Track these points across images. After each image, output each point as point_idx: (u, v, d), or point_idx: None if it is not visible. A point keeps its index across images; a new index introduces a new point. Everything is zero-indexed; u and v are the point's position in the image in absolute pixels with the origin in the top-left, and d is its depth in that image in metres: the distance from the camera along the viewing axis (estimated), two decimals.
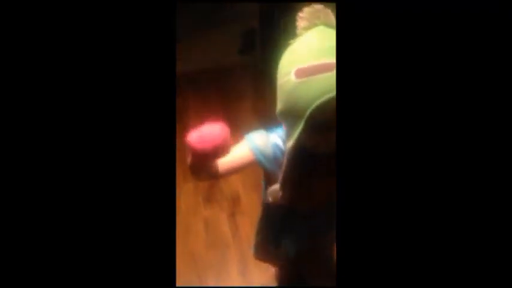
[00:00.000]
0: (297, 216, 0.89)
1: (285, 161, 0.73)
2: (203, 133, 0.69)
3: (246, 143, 0.78)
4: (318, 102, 0.60)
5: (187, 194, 1.71)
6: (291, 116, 0.64)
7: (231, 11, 2.71)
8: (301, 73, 0.62)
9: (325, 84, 0.60)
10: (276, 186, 0.78)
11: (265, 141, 0.77)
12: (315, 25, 0.66)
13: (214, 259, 1.49)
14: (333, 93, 0.59)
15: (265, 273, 1.28)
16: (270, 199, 0.81)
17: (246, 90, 2.33)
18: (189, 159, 0.72)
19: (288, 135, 0.67)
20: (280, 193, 0.78)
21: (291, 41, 0.67)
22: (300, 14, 0.67)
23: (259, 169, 0.80)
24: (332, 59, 0.60)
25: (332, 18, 0.66)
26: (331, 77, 0.60)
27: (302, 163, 0.73)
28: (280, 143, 0.76)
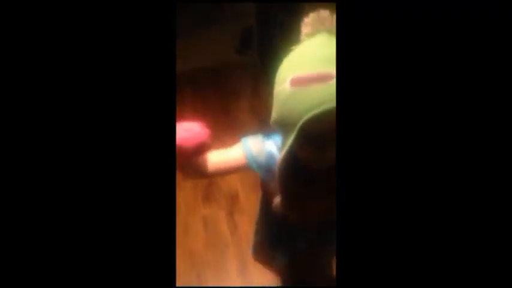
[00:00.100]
0: (292, 226, 0.87)
1: (277, 171, 0.71)
2: (182, 131, 0.69)
3: (241, 146, 0.77)
4: (310, 114, 0.58)
5: (186, 193, 1.71)
6: (284, 126, 0.63)
7: (228, 10, 2.71)
8: (296, 82, 0.61)
9: (319, 96, 0.58)
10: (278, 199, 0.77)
11: (261, 147, 0.76)
12: (318, 31, 0.64)
13: (213, 258, 1.50)
14: (327, 106, 0.57)
15: (265, 272, 1.28)
16: (275, 211, 0.80)
17: (243, 89, 2.33)
18: None
19: (282, 145, 0.66)
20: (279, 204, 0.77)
21: (293, 47, 0.65)
22: (305, 20, 0.65)
23: None
24: (329, 69, 0.58)
25: None
26: (325, 88, 0.58)
27: (295, 176, 0.71)
28: (275, 151, 0.75)
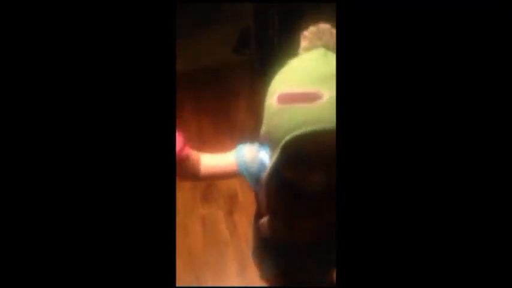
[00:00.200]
0: (279, 243, 0.84)
1: (264, 186, 0.70)
2: None
3: (235, 153, 0.76)
4: (291, 134, 0.56)
5: (184, 193, 1.71)
6: (270, 141, 0.62)
7: (228, 10, 2.71)
8: (283, 99, 0.59)
9: (302, 116, 0.56)
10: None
11: (254, 156, 0.74)
12: (316, 46, 0.62)
13: (212, 258, 1.50)
14: (310, 128, 0.56)
15: None
16: (261, 228, 0.78)
17: (242, 89, 2.33)
18: None
19: (270, 160, 0.64)
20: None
21: (289, 60, 0.63)
22: (304, 33, 0.63)
23: None
24: (317, 89, 0.56)
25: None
26: (310, 109, 0.56)
27: (280, 194, 0.69)
28: (267, 162, 0.72)
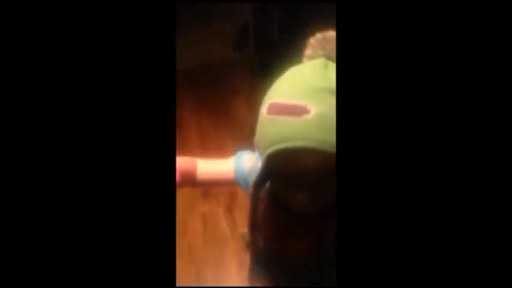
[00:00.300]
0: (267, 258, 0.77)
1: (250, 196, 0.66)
2: None
3: (233, 160, 0.73)
4: (272, 148, 0.54)
5: (184, 190, 1.71)
6: (258, 151, 0.59)
7: (224, 10, 2.70)
8: (272, 109, 0.56)
9: (286, 130, 0.53)
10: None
11: (253, 165, 0.70)
12: (318, 56, 0.60)
13: (212, 254, 1.50)
14: (292, 144, 0.53)
15: None
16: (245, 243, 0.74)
17: (241, 86, 2.33)
18: None
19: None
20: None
21: (289, 67, 0.61)
22: (310, 40, 0.60)
23: None
24: (305, 102, 0.53)
25: None
26: (296, 123, 0.53)
27: (268, 208, 0.65)
28: None
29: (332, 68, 0.58)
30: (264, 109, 0.57)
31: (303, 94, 0.55)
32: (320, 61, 0.59)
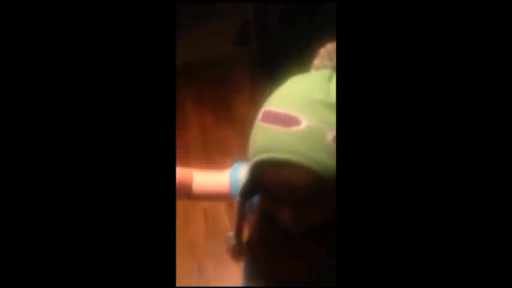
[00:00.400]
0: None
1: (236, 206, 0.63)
2: None
3: (229, 173, 0.71)
4: (257, 157, 0.52)
5: None
6: (248, 158, 0.56)
7: (224, 10, 2.69)
8: (265, 116, 0.54)
9: (273, 140, 0.51)
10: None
11: None
12: (325, 67, 0.57)
13: (214, 249, 1.51)
14: (277, 155, 0.50)
15: None
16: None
17: (243, 82, 2.33)
18: None
19: None
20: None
21: (292, 76, 0.59)
22: (320, 50, 0.58)
23: None
24: (297, 113, 0.51)
25: None
26: (284, 134, 0.51)
27: (256, 222, 0.63)
28: None
29: (335, 83, 0.55)
30: (259, 115, 0.56)
31: (297, 104, 0.53)
32: (325, 73, 0.57)
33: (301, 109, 0.52)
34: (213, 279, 1.43)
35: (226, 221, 1.60)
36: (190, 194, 0.74)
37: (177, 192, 0.67)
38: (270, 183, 0.55)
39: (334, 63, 0.57)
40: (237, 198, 0.62)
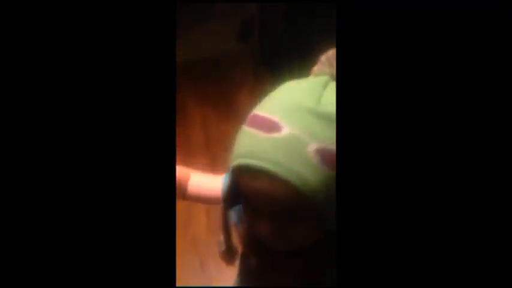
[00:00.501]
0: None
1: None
2: None
3: (224, 177, 0.68)
4: (234, 162, 0.50)
5: None
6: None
7: (226, 11, 2.67)
8: (249, 119, 0.52)
9: (251, 145, 0.49)
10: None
11: None
12: (323, 73, 0.54)
13: (216, 245, 1.51)
14: (250, 161, 0.48)
15: None
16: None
17: (244, 79, 2.33)
18: None
19: None
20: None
21: (294, 77, 0.56)
22: (321, 56, 0.55)
23: None
24: (279, 119, 0.48)
25: None
26: (261, 139, 0.48)
27: (245, 230, 0.61)
28: None
29: (331, 90, 0.53)
30: (246, 118, 0.54)
31: (281, 110, 0.50)
32: (321, 80, 0.54)
33: (284, 115, 0.49)
34: (215, 275, 1.43)
35: None
36: (185, 195, 0.73)
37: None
38: (248, 191, 0.52)
39: (333, 70, 0.54)
40: (222, 204, 0.59)
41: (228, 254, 0.64)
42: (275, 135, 0.48)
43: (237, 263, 0.67)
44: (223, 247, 0.65)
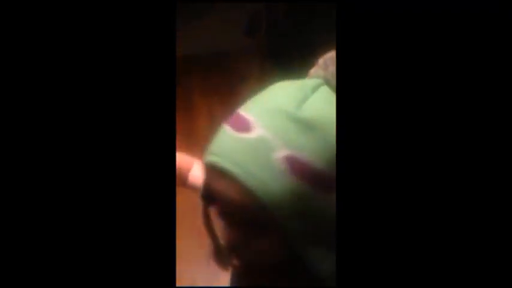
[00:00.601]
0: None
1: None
2: None
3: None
4: (204, 158, 0.48)
5: None
6: None
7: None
8: (230, 116, 0.49)
9: (220, 142, 0.47)
10: None
11: None
12: (317, 76, 0.51)
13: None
14: (213, 159, 0.46)
15: None
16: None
17: (251, 73, 2.33)
18: None
19: None
20: None
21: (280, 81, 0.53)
22: (319, 59, 0.53)
23: None
24: (253, 118, 0.46)
25: None
26: (230, 138, 0.46)
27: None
28: None
29: (318, 96, 0.49)
30: None
31: (258, 110, 0.47)
32: (313, 83, 0.50)
33: (260, 116, 0.46)
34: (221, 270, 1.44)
35: None
36: (185, 183, 0.72)
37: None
38: (214, 191, 0.49)
39: (327, 74, 0.51)
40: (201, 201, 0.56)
41: (217, 256, 0.59)
42: (244, 135, 0.46)
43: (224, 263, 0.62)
44: (211, 248, 0.60)
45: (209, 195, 0.52)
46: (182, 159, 0.71)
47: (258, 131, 0.45)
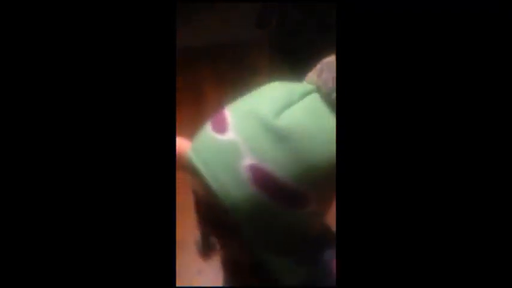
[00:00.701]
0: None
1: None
2: None
3: None
4: (186, 152, 0.47)
5: None
6: None
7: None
8: (215, 115, 0.48)
9: (199, 140, 0.47)
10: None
11: None
12: (312, 82, 0.49)
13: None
14: (192, 158, 0.45)
15: None
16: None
17: (261, 65, 2.33)
18: None
19: None
20: None
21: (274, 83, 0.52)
22: (318, 64, 0.51)
23: None
24: (232, 123, 0.45)
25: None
26: (206, 137, 0.46)
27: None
28: None
29: (303, 105, 0.47)
30: None
31: (237, 112, 0.47)
32: (301, 89, 0.49)
33: (237, 119, 0.46)
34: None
35: None
36: (183, 165, 0.72)
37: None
38: (192, 186, 0.49)
39: (320, 81, 0.49)
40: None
41: (202, 248, 0.59)
42: (219, 136, 0.46)
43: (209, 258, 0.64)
44: (200, 246, 0.60)
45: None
46: (182, 143, 0.69)
47: (231, 135, 0.45)
